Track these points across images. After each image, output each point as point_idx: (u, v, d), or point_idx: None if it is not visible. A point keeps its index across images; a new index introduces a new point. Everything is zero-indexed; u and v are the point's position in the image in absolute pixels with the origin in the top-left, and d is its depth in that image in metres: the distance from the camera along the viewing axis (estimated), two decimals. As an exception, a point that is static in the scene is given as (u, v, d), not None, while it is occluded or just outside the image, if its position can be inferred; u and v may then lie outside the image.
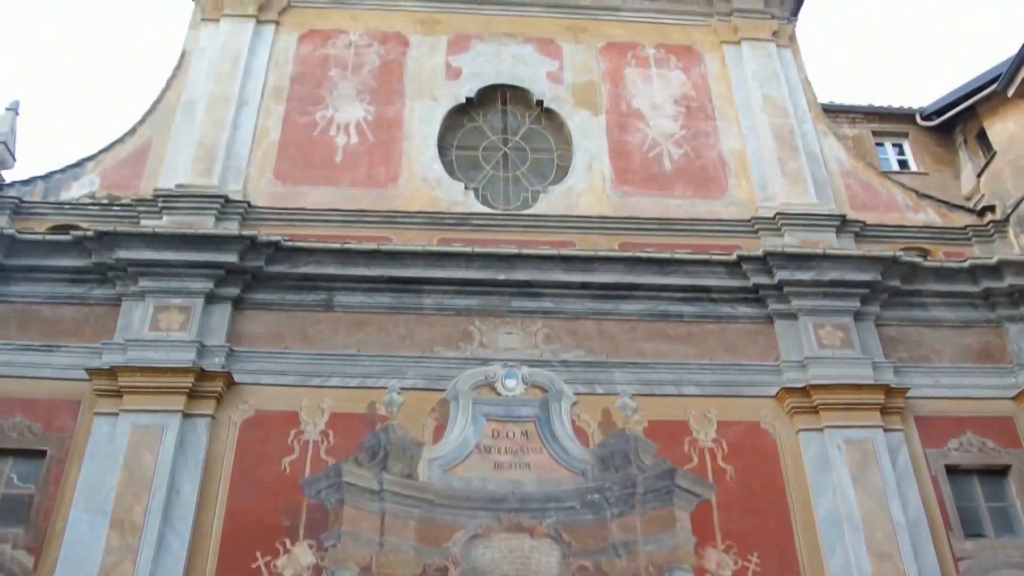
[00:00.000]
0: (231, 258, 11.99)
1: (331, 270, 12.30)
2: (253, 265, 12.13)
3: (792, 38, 16.10)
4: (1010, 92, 14.50)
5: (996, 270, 12.91)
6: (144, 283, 11.97)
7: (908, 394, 12.07)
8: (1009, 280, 12.87)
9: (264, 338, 12.02)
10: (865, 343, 12.45)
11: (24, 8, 44.48)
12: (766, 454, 11.65)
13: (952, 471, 11.81)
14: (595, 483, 11.23)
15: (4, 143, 13.37)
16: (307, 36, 15.28)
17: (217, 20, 15.06)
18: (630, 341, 12.37)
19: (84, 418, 11.21)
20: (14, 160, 13.63)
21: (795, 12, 16.36)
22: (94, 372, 11.31)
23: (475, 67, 15.13)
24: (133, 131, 13.89)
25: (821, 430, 11.68)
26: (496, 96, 15.14)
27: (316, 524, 10.75)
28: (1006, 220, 14.08)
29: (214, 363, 11.51)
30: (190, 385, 11.17)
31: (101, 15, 47.06)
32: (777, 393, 11.99)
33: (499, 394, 11.80)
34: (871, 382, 11.95)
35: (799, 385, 11.89)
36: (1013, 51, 14.29)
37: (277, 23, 15.24)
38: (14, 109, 13.96)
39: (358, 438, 11.31)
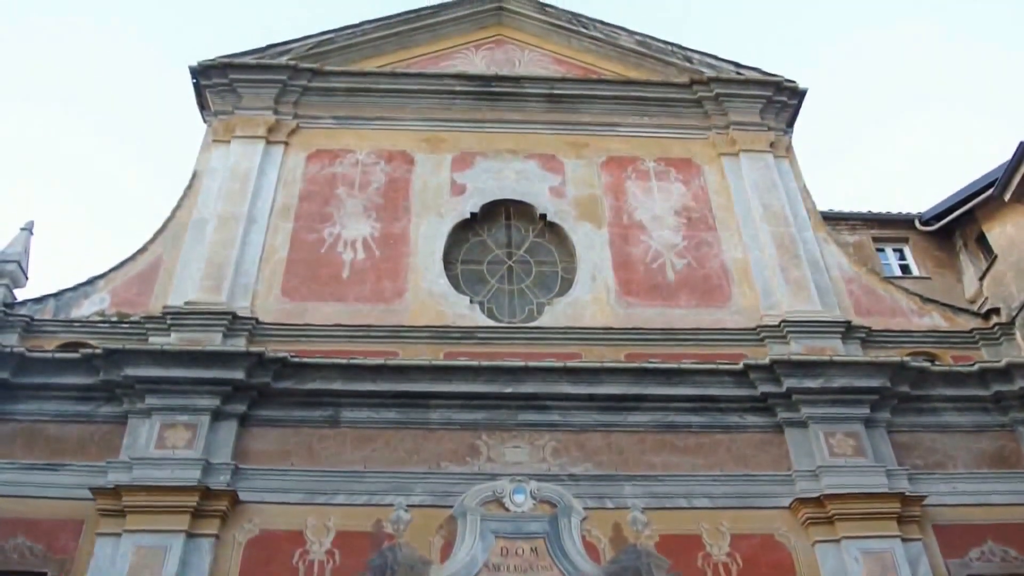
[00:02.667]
0: (238, 375, 11.98)
1: (338, 386, 12.25)
2: (260, 381, 12.10)
3: (789, 148, 16.48)
4: (1007, 196, 14.73)
5: (1006, 373, 12.84)
6: (151, 400, 11.91)
7: (925, 502, 11.79)
8: (1020, 383, 12.78)
9: (270, 455, 11.88)
10: (877, 450, 12.25)
11: (39, 130, 45.92)
12: (782, 568, 11.31)
13: (975, 582, 11.45)
14: (608, 602, 10.89)
15: (18, 262, 13.54)
16: (315, 155, 15.63)
17: (228, 142, 15.43)
18: (639, 453, 12.19)
19: (86, 539, 10.97)
20: (27, 279, 13.78)
21: (790, 124, 16.86)
22: (98, 491, 11.10)
23: (479, 183, 15.42)
24: (144, 249, 14.05)
25: (838, 541, 11.36)
26: (500, 211, 15.40)
27: (321, 649, 10.41)
28: (1012, 322, 14.05)
29: (219, 481, 11.34)
30: (195, 504, 10.96)
31: (115, 138, 48.53)
32: (791, 504, 11.74)
33: (507, 510, 11.54)
34: (886, 490, 11.69)
35: (813, 495, 11.63)
36: (1008, 155, 14.55)
37: (286, 143, 15.61)
38: (28, 229, 14.19)
39: (364, 558, 11.04)
